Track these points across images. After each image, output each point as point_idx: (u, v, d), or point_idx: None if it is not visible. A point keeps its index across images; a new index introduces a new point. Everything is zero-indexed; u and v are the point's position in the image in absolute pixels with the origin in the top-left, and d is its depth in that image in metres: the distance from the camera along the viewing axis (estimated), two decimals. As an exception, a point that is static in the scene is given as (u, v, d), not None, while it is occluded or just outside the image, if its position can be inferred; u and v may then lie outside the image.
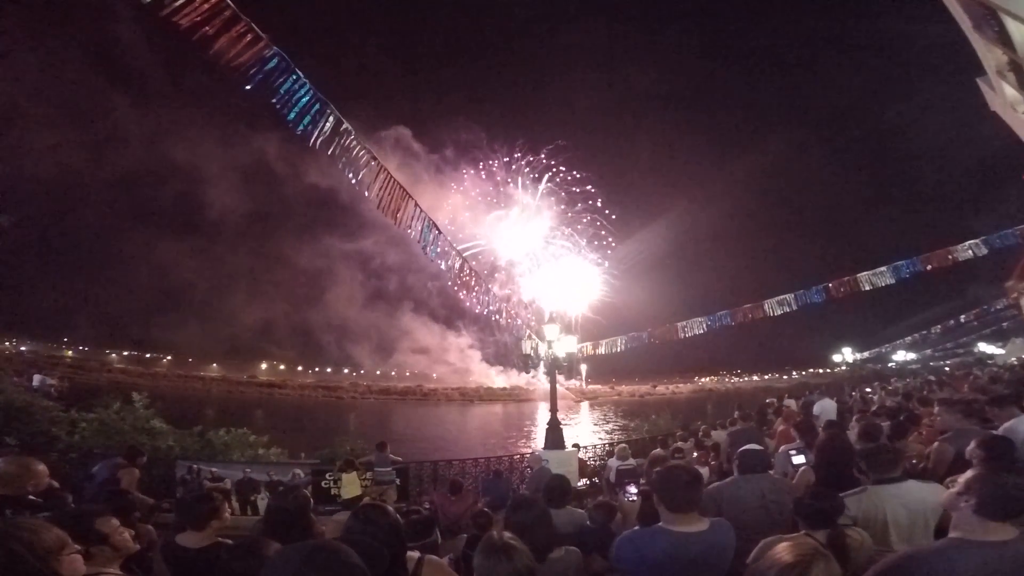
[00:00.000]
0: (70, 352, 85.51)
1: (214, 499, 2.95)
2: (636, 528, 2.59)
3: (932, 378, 15.39)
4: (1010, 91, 12.82)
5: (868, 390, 13.36)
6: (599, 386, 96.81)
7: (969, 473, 1.95)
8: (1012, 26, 9.40)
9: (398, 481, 8.96)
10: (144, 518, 3.76)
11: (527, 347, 12.67)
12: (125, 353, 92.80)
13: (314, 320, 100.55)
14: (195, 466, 8.99)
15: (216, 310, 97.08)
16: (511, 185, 74.13)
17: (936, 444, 3.90)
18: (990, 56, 12.09)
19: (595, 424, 47.23)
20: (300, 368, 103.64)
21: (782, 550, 1.52)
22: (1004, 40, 10.11)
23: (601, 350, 16.74)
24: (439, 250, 7.26)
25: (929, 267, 12.75)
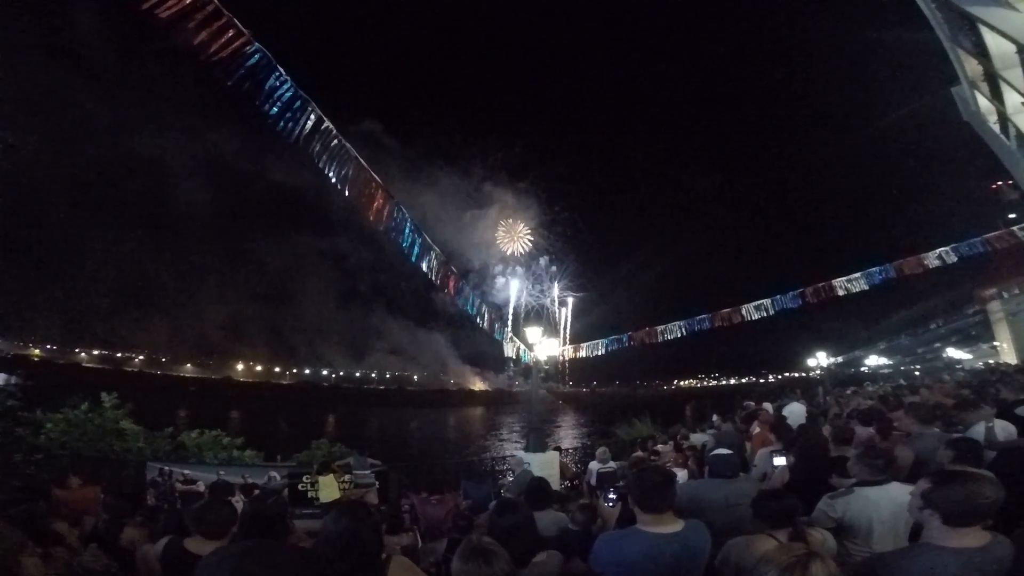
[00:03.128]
0: (37, 350, 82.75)
1: (231, 506, 2.84)
2: (613, 530, 2.60)
3: (903, 382, 15.80)
4: (983, 101, 13.29)
5: (841, 398, 13.64)
6: (581, 389, 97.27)
7: (925, 484, 1.94)
8: (988, 37, 9.72)
9: (377, 484, 8.86)
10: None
11: (510, 350, 12.64)
12: (95, 352, 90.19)
13: (285, 319, 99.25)
14: (167, 468, 8.76)
15: (183, 308, 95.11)
16: (488, 183, 73.25)
17: (898, 447, 4.01)
18: (966, 66, 12.52)
19: (576, 426, 47.45)
20: (277, 369, 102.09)
21: (778, 552, 1.55)
22: (980, 51, 10.44)
23: (582, 353, 16.81)
24: (419, 250, 7.20)
25: (901, 273, 13.07)
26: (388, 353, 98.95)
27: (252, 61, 4.96)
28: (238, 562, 1.05)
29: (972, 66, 12.28)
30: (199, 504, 2.96)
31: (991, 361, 25.04)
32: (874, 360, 41.71)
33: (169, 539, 2.65)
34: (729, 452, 3.49)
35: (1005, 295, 26.17)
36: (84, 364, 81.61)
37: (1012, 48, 8.95)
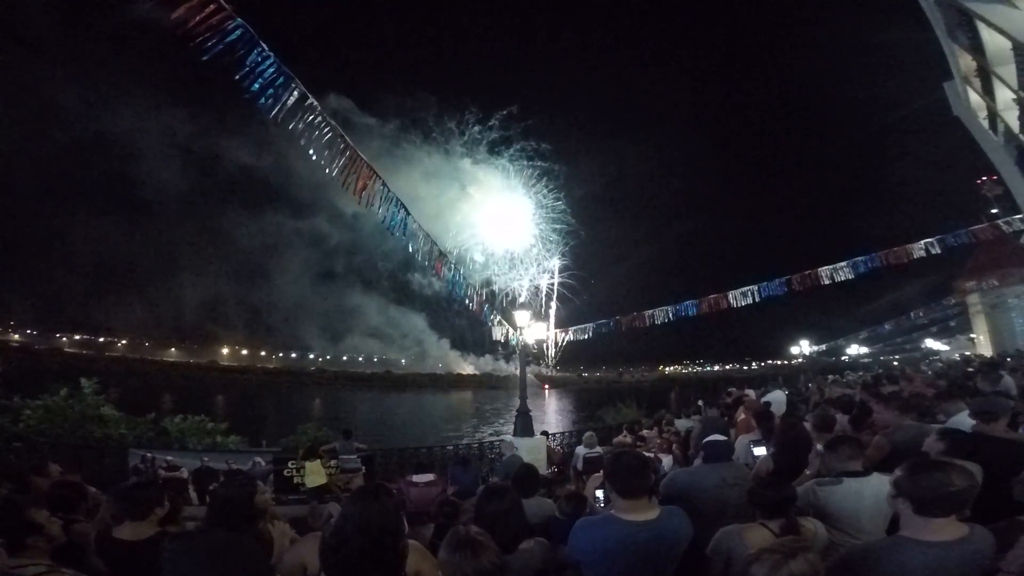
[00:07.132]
0: (16, 335, 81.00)
1: (154, 486, 2.77)
2: (588, 516, 2.59)
3: (881, 371, 16.08)
4: (975, 97, 13.41)
5: (823, 386, 13.82)
6: (567, 373, 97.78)
7: (899, 472, 1.93)
8: (985, 33, 9.76)
9: (364, 469, 8.85)
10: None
11: (498, 333, 12.61)
12: (77, 337, 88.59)
13: (262, 301, 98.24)
14: (149, 454, 8.67)
15: (159, 290, 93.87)
16: (468, 160, 70.79)
17: (876, 437, 4.04)
18: (960, 62, 12.61)
19: (563, 411, 47.85)
20: (263, 353, 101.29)
21: (764, 542, 1.55)
22: (976, 47, 10.50)
23: (568, 336, 16.87)
24: (406, 230, 7.07)
25: (887, 263, 13.21)
26: (366, 335, 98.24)
27: (233, 37, 4.80)
28: (202, 554, 1.03)
29: (966, 62, 12.37)
30: (118, 487, 2.84)
31: (967, 353, 25.61)
32: (855, 349, 42.38)
33: (96, 532, 2.57)
34: (723, 439, 3.48)
35: (984, 288, 26.71)
36: (65, 349, 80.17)
37: (1007, 45, 8.98)
